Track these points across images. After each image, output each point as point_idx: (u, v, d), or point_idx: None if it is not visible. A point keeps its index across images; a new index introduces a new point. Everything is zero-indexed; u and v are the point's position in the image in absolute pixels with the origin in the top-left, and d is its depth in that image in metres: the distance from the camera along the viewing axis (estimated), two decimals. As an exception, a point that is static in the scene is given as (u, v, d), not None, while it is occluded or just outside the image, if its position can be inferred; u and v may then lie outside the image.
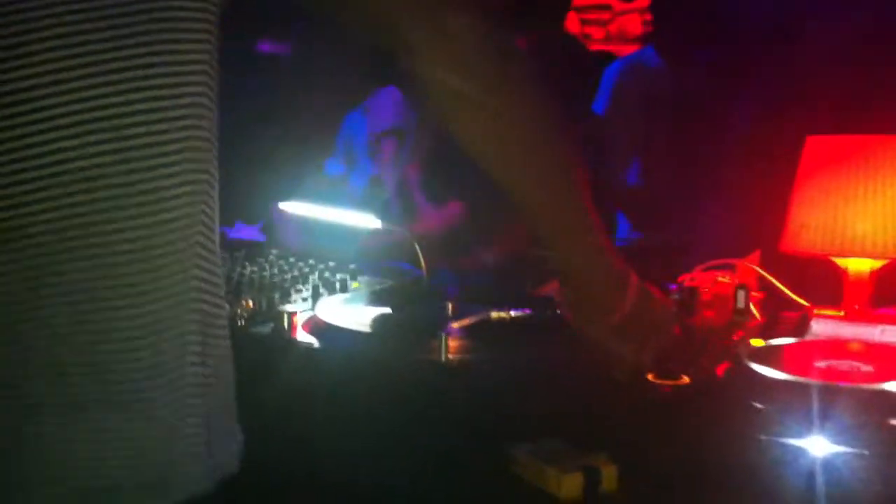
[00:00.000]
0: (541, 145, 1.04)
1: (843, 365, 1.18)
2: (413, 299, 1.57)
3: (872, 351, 1.25)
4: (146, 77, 0.78)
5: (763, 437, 1.07)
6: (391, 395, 1.25)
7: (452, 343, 1.29)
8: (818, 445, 1.04)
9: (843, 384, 1.11)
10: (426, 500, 1.19)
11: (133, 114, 0.78)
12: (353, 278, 1.82)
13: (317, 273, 1.81)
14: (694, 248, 2.34)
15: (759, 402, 1.11)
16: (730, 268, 1.70)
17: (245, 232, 2.39)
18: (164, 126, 0.80)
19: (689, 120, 2.58)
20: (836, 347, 1.27)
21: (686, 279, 1.67)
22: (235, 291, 1.60)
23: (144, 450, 0.82)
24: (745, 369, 1.16)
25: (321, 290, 1.69)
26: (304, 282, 1.76)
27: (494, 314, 1.40)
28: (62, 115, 0.75)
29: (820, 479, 1.03)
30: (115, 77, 0.77)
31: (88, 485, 0.79)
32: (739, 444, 1.09)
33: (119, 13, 0.77)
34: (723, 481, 1.08)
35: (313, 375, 1.35)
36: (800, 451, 1.04)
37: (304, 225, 2.03)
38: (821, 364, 1.19)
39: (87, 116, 0.76)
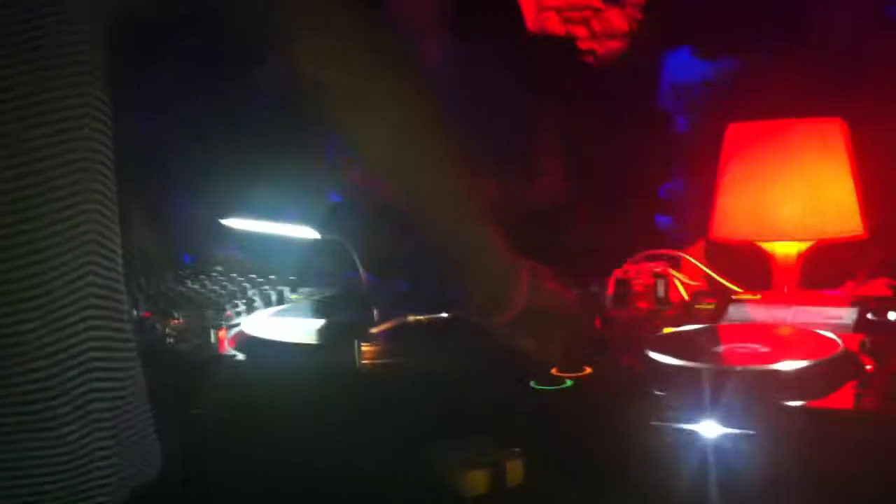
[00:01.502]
0: (418, 137, 1.05)
1: (742, 348, 1.19)
2: (342, 307, 1.59)
3: (772, 334, 1.26)
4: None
5: (657, 423, 1.08)
6: (310, 404, 1.27)
7: (367, 349, 1.31)
8: (709, 428, 1.05)
9: (730, 366, 1.13)
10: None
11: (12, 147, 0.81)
12: (293, 291, 1.85)
13: (255, 287, 1.83)
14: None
15: (657, 389, 1.13)
16: (670, 259, 1.72)
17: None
18: (47, 153, 0.83)
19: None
20: (738, 331, 1.29)
21: (620, 272, 1.69)
22: (166, 310, 1.62)
23: (55, 471, 0.85)
24: (644, 357, 1.17)
25: (255, 303, 1.71)
26: (244, 295, 1.78)
27: (412, 317, 1.41)
28: None
29: (709, 461, 1.04)
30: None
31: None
32: (637, 432, 1.10)
33: None
34: (621, 469, 1.09)
35: (237, 388, 1.36)
36: (691, 435, 1.06)
37: (246, 240, 2.04)
38: (719, 349, 1.20)
39: None
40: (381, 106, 1.01)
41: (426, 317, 1.42)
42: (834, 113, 1.69)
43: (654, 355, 1.16)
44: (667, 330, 1.35)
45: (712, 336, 1.26)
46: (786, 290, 1.66)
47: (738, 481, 1.04)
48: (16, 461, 0.84)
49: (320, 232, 1.84)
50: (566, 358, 1.21)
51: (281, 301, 1.75)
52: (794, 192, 1.64)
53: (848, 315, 1.37)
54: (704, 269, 1.68)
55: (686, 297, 1.60)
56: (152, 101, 2.28)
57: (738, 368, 1.12)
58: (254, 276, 1.92)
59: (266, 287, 1.82)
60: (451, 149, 1.08)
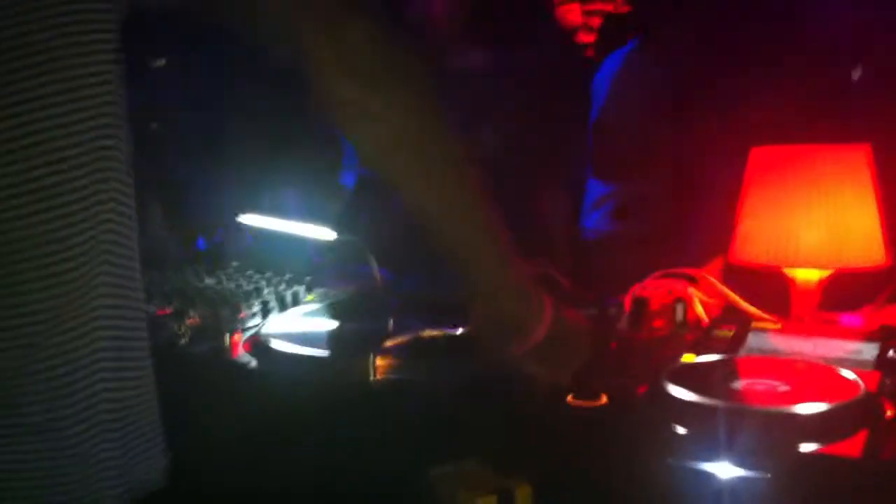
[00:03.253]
0: (437, 159, 1.04)
1: (761, 384, 1.18)
2: (359, 313, 1.58)
3: (793, 369, 1.25)
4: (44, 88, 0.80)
5: (672, 461, 1.08)
6: (320, 416, 1.27)
7: (381, 363, 1.30)
8: (724, 469, 1.04)
9: (749, 406, 1.11)
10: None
11: (33, 133, 0.80)
12: (309, 291, 1.84)
13: (272, 287, 1.83)
14: (674, 244, 2.34)
15: (673, 424, 1.12)
16: (689, 277, 1.71)
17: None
18: (64, 143, 0.82)
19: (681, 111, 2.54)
20: (758, 365, 1.27)
21: (637, 289, 1.68)
22: (182, 308, 1.61)
23: (55, 474, 0.85)
24: (661, 389, 1.16)
25: (271, 305, 1.71)
26: (258, 296, 1.78)
27: (427, 332, 1.41)
28: None
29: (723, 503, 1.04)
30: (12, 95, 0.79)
31: None
32: (651, 468, 1.10)
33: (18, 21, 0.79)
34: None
35: (249, 396, 1.36)
36: (706, 476, 1.05)
37: (262, 237, 2.04)
38: (738, 384, 1.19)
39: None
40: (388, 115, 1.00)
41: (441, 332, 1.42)
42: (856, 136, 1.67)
43: (671, 388, 1.15)
44: (686, 358, 1.34)
45: (731, 369, 1.25)
46: (805, 319, 1.64)
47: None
48: (18, 466, 0.84)
49: (336, 231, 1.83)
50: (581, 385, 1.20)
51: (296, 302, 1.74)
52: (817, 219, 1.62)
53: (867, 350, 1.36)
54: (725, 291, 1.67)
55: (705, 318, 1.59)
56: (166, 90, 2.28)
57: (756, 409, 1.11)
58: (270, 274, 1.92)
59: (282, 287, 1.82)
60: (466, 163, 1.07)
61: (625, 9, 2.93)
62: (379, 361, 1.30)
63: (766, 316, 1.59)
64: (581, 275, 2.31)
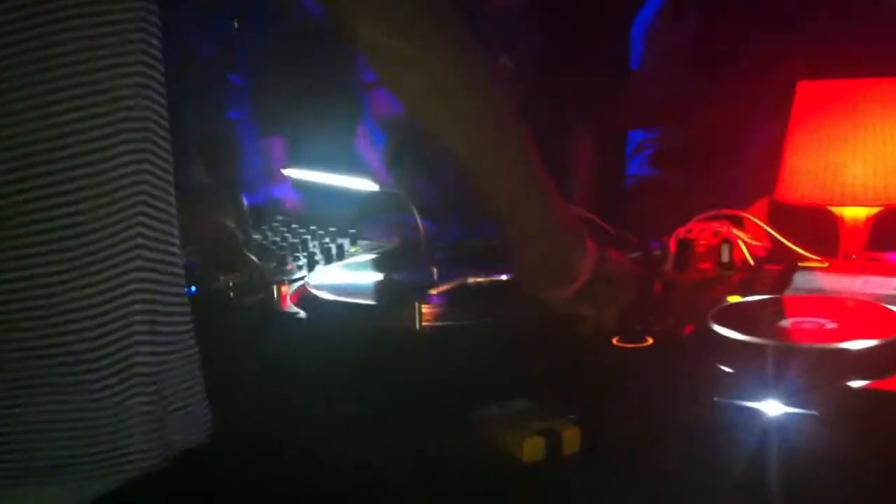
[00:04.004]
0: (482, 109, 1.04)
1: (809, 323, 1.17)
2: (402, 263, 1.60)
3: (841, 307, 1.24)
4: (78, 63, 0.81)
5: (719, 400, 1.08)
6: (368, 364, 1.29)
7: (427, 310, 1.31)
8: (772, 407, 1.04)
9: (795, 344, 1.11)
10: (397, 467, 1.23)
11: (65, 100, 0.81)
12: (353, 243, 1.86)
13: (317, 240, 1.85)
14: (717, 187, 2.32)
15: (720, 364, 1.12)
16: (733, 218, 1.70)
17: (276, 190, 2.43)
18: (97, 110, 0.82)
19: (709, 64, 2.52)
20: (805, 304, 1.26)
21: (682, 231, 1.67)
22: (229, 262, 1.63)
23: (89, 429, 0.84)
24: (707, 330, 1.16)
25: (317, 257, 1.72)
26: (304, 248, 1.80)
27: (471, 279, 1.41)
28: None
29: (771, 442, 1.04)
30: (46, 65, 0.80)
31: (32, 462, 0.84)
32: (697, 407, 1.10)
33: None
34: (679, 444, 1.09)
35: (297, 347, 1.38)
36: (753, 413, 1.05)
37: (306, 190, 2.06)
38: (786, 322, 1.19)
39: (18, 106, 0.79)
40: (424, 61, 0.99)
41: (486, 278, 1.42)
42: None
43: (717, 328, 1.15)
44: (731, 298, 1.33)
45: (778, 308, 1.25)
46: (853, 257, 1.63)
47: (799, 462, 1.03)
48: (50, 420, 0.83)
49: (378, 183, 1.84)
50: (626, 327, 1.20)
51: (341, 255, 1.76)
52: (864, 155, 1.59)
53: (919, 287, 1.34)
54: (771, 231, 1.65)
55: (751, 260, 1.57)
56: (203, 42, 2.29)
57: (803, 346, 1.10)
58: (314, 227, 1.93)
59: (326, 240, 1.83)
60: (506, 110, 1.07)
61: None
62: (425, 309, 1.31)
63: (812, 256, 1.57)
64: (626, 220, 2.31)
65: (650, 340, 1.20)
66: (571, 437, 1.13)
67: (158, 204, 0.88)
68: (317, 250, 1.77)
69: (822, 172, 1.62)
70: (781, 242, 1.63)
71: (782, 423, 1.04)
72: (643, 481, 1.10)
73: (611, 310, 1.20)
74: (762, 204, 2.07)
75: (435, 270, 1.50)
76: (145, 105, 0.86)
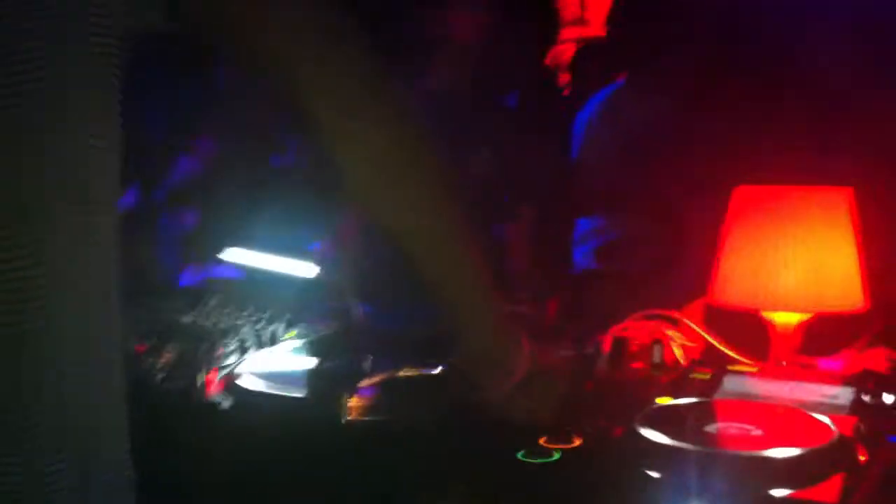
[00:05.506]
0: (421, 185, 1.04)
1: (735, 428, 1.17)
2: (335, 351, 1.57)
3: (767, 413, 1.24)
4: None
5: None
6: (293, 458, 1.26)
7: (354, 404, 1.29)
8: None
9: (722, 450, 1.11)
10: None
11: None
12: (288, 328, 1.83)
13: (250, 324, 1.82)
14: (656, 284, 2.34)
15: (646, 468, 1.11)
16: (669, 318, 1.71)
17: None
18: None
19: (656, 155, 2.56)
20: (732, 409, 1.27)
21: (618, 329, 1.68)
22: (159, 344, 1.60)
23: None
24: (634, 432, 1.16)
25: (248, 343, 1.70)
26: (235, 333, 1.77)
27: (403, 372, 1.40)
28: None
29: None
30: None
31: None
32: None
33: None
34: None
35: (220, 437, 1.35)
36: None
37: (247, 273, 2.04)
38: (713, 427, 1.18)
39: None
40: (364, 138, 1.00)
41: (417, 371, 1.41)
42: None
43: (645, 432, 1.14)
44: (660, 400, 1.33)
45: (706, 412, 1.24)
46: (784, 363, 1.64)
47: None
48: None
49: (318, 266, 1.83)
50: (555, 426, 1.19)
51: (274, 341, 1.73)
52: (796, 261, 1.62)
53: (844, 395, 1.35)
54: (703, 333, 1.66)
55: (682, 361, 1.58)
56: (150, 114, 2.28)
57: (729, 453, 1.10)
58: (249, 311, 1.90)
59: (261, 325, 1.80)
60: (450, 190, 1.07)
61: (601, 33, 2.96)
62: (352, 402, 1.29)
63: (744, 359, 1.58)
64: (571, 308, 2.31)
65: (578, 441, 1.19)
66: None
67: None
68: (249, 336, 1.74)
69: (754, 277, 1.64)
70: (714, 345, 1.65)
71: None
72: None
73: (541, 406, 1.19)
74: (698, 304, 2.08)
75: (369, 359, 1.48)
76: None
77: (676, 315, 1.69)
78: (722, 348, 1.63)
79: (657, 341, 1.53)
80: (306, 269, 1.83)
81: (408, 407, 1.31)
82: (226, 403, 1.38)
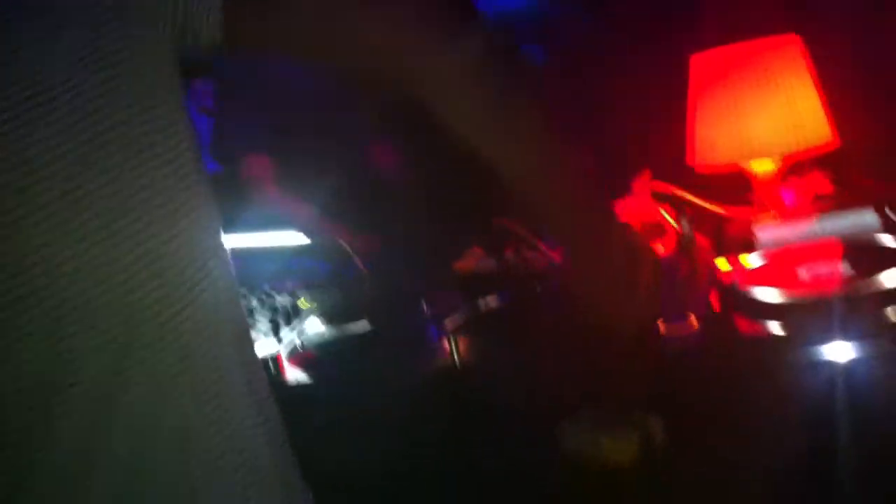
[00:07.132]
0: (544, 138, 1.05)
1: (822, 268, 1.26)
2: (387, 311, 1.56)
3: (836, 249, 1.33)
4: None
5: (780, 355, 1.14)
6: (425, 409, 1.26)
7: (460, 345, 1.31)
8: (839, 351, 1.12)
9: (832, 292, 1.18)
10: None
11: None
12: (298, 297, 1.80)
13: (266, 304, 1.77)
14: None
15: (768, 324, 1.18)
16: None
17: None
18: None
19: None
20: (805, 253, 1.35)
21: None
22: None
23: None
24: (742, 296, 1.22)
25: (278, 320, 1.66)
26: (254, 315, 1.72)
27: (482, 306, 1.41)
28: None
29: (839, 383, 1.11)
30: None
31: None
32: (762, 369, 1.16)
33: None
34: (754, 409, 1.15)
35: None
36: (821, 364, 1.12)
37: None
38: (803, 272, 1.26)
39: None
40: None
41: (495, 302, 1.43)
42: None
43: (756, 291, 1.21)
44: (720, 262, 1.39)
45: (785, 261, 1.31)
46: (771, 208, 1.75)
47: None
48: None
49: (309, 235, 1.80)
50: (670, 314, 1.25)
51: (297, 313, 1.70)
52: (766, 109, 1.72)
53: (871, 217, 1.46)
54: (690, 196, 1.75)
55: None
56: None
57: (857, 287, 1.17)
58: (244, 290, 1.85)
59: (280, 298, 1.76)
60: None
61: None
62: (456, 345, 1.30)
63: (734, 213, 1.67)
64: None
65: (694, 320, 1.25)
66: (656, 426, 1.17)
67: None
68: (267, 315, 1.70)
69: (731, 134, 1.73)
70: (703, 208, 1.74)
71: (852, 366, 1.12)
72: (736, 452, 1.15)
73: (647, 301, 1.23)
74: (644, 177, 2.15)
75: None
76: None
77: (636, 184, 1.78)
78: (714, 208, 1.72)
79: (682, 213, 1.60)
80: (295, 238, 1.80)
81: (507, 338, 1.33)
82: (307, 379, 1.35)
